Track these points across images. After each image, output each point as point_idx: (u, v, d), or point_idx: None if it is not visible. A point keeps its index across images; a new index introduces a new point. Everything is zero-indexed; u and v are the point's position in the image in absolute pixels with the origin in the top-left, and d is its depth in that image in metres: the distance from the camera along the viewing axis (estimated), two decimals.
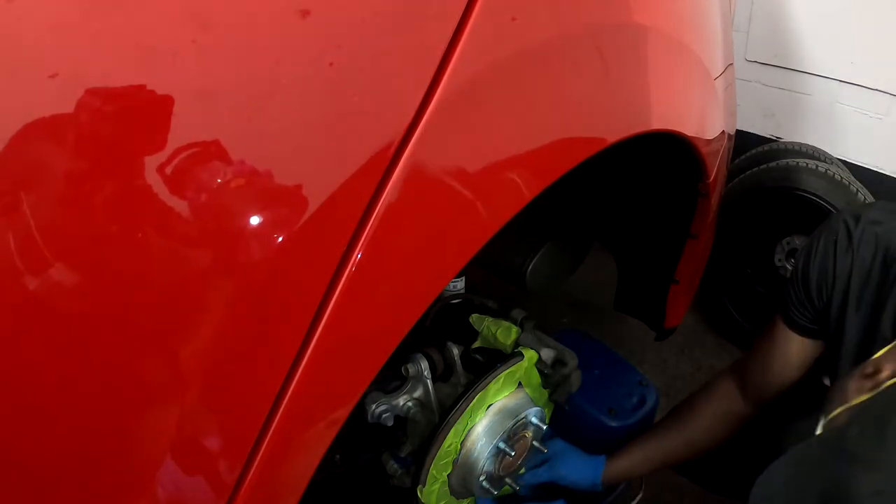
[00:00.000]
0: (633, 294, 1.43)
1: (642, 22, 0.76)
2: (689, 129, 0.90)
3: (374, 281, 0.53)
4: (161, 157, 0.43)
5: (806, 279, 0.86)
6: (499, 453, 0.93)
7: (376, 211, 0.51)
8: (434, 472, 0.89)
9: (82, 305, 0.44)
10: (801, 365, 0.93)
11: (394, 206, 0.52)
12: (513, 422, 0.93)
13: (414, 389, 0.90)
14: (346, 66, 0.49)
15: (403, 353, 0.90)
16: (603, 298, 1.63)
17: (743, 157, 1.99)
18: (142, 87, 0.42)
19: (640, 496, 1.31)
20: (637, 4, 0.76)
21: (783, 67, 2.03)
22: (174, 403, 0.48)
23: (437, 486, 0.91)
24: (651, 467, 1.07)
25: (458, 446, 0.90)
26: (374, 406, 0.85)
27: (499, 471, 0.95)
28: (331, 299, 0.51)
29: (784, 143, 2.02)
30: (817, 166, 1.66)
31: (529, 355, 0.94)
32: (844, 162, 1.92)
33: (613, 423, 1.16)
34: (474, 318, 1.02)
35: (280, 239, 0.47)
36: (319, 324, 0.51)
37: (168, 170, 0.43)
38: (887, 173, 1.92)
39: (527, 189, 0.63)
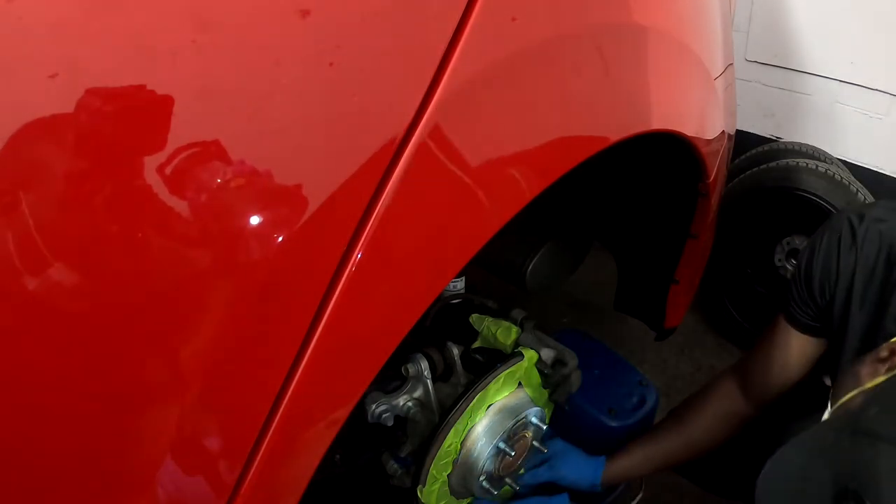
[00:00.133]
0: (633, 294, 1.43)
1: (642, 22, 0.76)
2: (689, 129, 0.90)
3: (374, 281, 0.53)
4: (161, 156, 0.43)
5: (809, 277, 0.86)
6: (499, 453, 0.93)
7: (376, 211, 0.51)
8: (434, 472, 0.89)
9: (82, 305, 0.44)
10: (802, 363, 0.93)
11: (394, 206, 0.52)
12: (513, 422, 0.93)
13: (414, 389, 0.90)
14: (346, 66, 0.49)
15: (403, 353, 0.90)
16: (603, 298, 1.63)
17: (743, 157, 1.99)
18: (142, 87, 0.42)
19: (640, 496, 1.31)
20: (637, 4, 0.76)
21: (783, 67, 2.03)
22: (174, 403, 0.48)
23: (437, 486, 0.91)
24: (651, 468, 1.07)
25: (458, 446, 0.90)
26: (374, 406, 0.85)
27: (499, 471, 0.95)
28: (331, 299, 0.51)
29: (784, 143, 2.02)
30: (817, 166, 1.66)
31: (529, 355, 0.94)
32: (844, 162, 1.92)
33: (613, 423, 1.16)
34: (474, 318, 1.02)
35: (280, 239, 0.47)
36: (319, 324, 0.51)
37: (168, 170, 0.43)
38: (887, 173, 1.92)
39: (526, 189, 0.63)
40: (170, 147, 0.43)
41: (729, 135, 1.13)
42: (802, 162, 1.69)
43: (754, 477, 0.58)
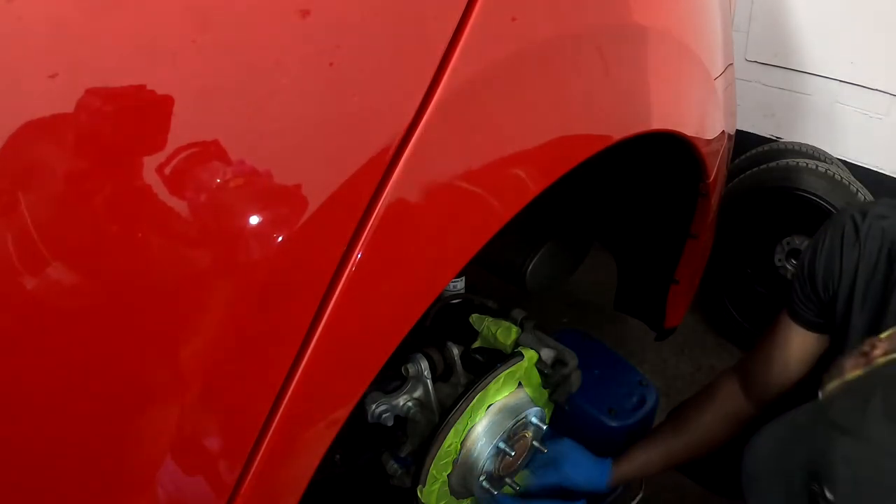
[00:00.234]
0: (633, 294, 1.43)
1: (642, 22, 0.76)
2: (689, 129, 0.90)
3: (374, 281, 0.53)
4: (161, 156, 0.43)
5: (812, 273, 0.87)
6: (499, 453, 0.93)
7: (376, 211, 0.51)
8: (434, 472, 0.89)
9: (82, 305, 0.44)
10: (803, 361, 0.93)
11: (394, 206, 0.52)
12: (513, 422, 0.93)
13: (414, 389, 0.90)
14: (346, 66, 0.49)
15: (403, 353, 0.90)
16: (603, 298, 1.63)
17: (743, 157, 1.99)
18: (142, 87, 0.42)
19: (640, 496, 1.31)
20: (637, 4, 0.76)
21: (783, 67, 2.03)
22: (174, 403, 0.48)
23: (437, 486, 0.91)
24: (654, 469, 1.07)
25: (458, 446, 0.90)
26: (374, 406, 0.85)
27: (499, 471, 0.95)
28: (331, 299, 0.51)
29: (784, 143, 2.02)
30: (817, 166, 1.66)
31: (529, 355, 0.94)
32: (844, 162, 1.92)
33: (613, 423, 1.16)
34: (474, 318, 1.02)
35: (280, 239, 0.47)
36: (319, 324, 0.51)
37: (168, 170, 0.43)
38: (887, 173, 1.93)
39: (527, 189, 0.63)
40: (170, 147, 0.43)
41: (729, 135, 1.13)
42: (802, 162, 1.69)
43: None
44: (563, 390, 0.99)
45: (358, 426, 0.81)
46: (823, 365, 0.94)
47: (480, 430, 0.91)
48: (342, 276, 0.51)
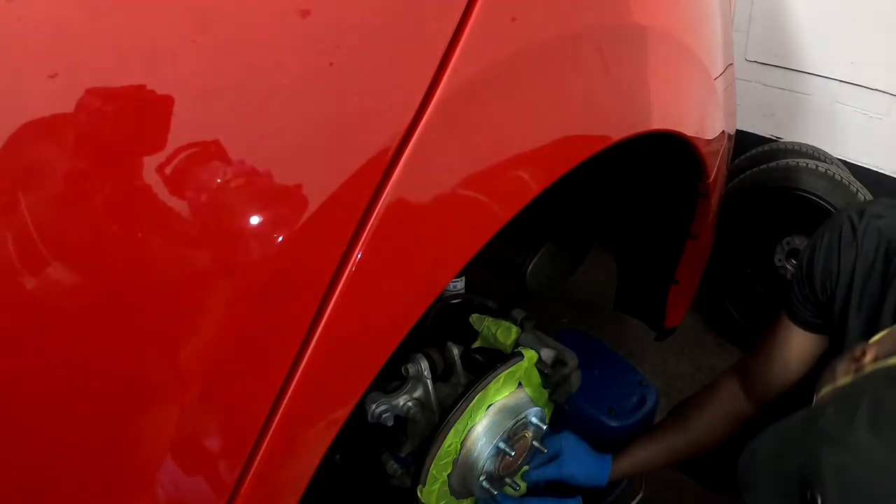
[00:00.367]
0: (633, 294, 1.43)
1: (642, 22, 0.76)
2: (689, 129, 0.90)
3: (374, 281, 0.53)
4: (161, 156, 0.43)
5: (810, 273, 0.87)
6: (499, 453, 0.93)
7: (376, 211, 0.51)
8: (434, 472, 0.89)
9: (82, 305, 0.44)
10: (803, 361, 0.93)
11: (394, 206, 0.52)
12: (513, 422, 0.93)
13: (414, 389, 0.90)
14: (346, 66, 0.49)
15: (403, 353, 0.90)
16: (603, 298, 1.63)
17: (743, 157, 1.99)
18: (142, 87, 0.42)
19: (640, 496, 1.31)
20: (637, 4, 0.76)
21: (783, 67, 2.03)
22: (174, 403, 0.48)
23: (437, 486, 0.91)
24: (652, 467, 1.07)
25: (458, 446, 0.90)
26: (374, 406, 0.85)
27: (499, 471, 0.95)
28: (331, 299, 0.51)
29: (784, 143, 2.02)
30: (817, 166, 1.66)
31: (529, 355, 0.94)
32: (844, 162, 1.92)
33: (613, 423, 1.16)
34: (474, 318, 1.02)
35: (280, 239, 0.47)
36: (319, 324, 0.51)
37: (168, 170, 0.43)
38: (887, 173, 1.93)
39: (526, 189, 0.63)
40: (170, 147, 0.43)
41: (729, 135, 1.13)
42: (802, 162, 1.69)
43: None
44: (563, 390, 0.99)
45: (358, 426, 0.81)
46: (823, 365, 0.95)
47: (480, 430, 0.91)
48: (342, 276, 0.51)
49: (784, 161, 1.75)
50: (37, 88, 0.41)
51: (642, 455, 1.06)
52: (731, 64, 1.12)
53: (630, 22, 0.75)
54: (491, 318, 1.01)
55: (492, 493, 0.95)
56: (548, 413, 1.04)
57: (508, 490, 1.01)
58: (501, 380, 0.92)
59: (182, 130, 0.43)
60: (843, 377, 0.62)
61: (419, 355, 0.90)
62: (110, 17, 0.43)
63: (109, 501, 0.50)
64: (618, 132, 0.73)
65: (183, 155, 0.43)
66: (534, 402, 0.97)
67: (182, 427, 0.49)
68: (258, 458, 0.52)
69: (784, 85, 2.05)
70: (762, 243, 1.81)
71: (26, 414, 0.45)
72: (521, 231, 1.20)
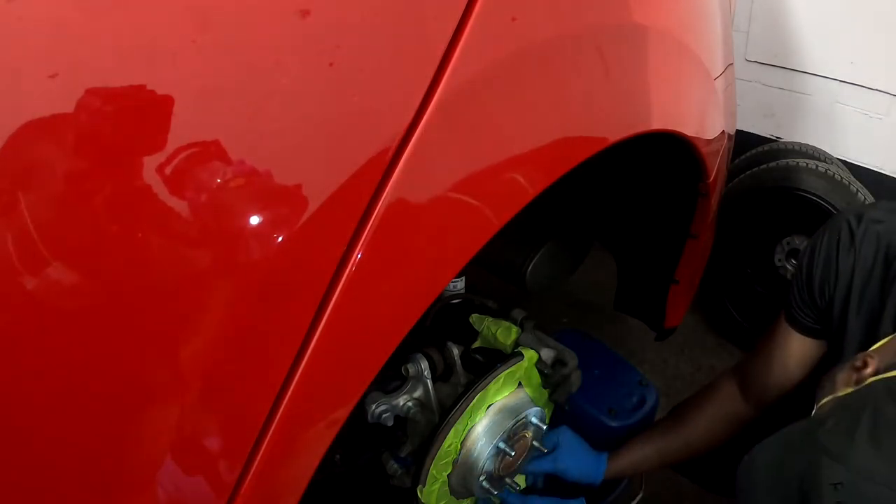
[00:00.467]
0: (633, 294, 1.43)
1: (642, 22, 0.76)
2: (689, 129, 0.90)
3: (374, 281, 0.53)
4: (161, 156, 0.43)
5: (809, 278, 0.87)
6: (499, 453, 0.93)
7: (376, 211, 0.51)
8: (434, 472, 0.89)
9: (82, 305, 0.44)
10: (802, 365, 0.93)
11: (394, 206, 0.52)
12: (513, 422, 0.93)
13: (414, 389, 0.90)
14: (346, 66, 0.49)
15: (403, 353, 0.90)
16: (603, 298, 1.63)
17: (743, 157, 1.99)
18: (142, 87, 0.42)
19: (640, 496, 1.31)
20: (637, 4, 0.76)
21: (783, 67, 2.03)
22: (174, 403, 0.48)
23: (437, 486, 0.91)
24: (649, 466, 1.07)
25: (458, 446, 0.90)
26: (374, 406, 0.85)
27: (499, 471, 0.95)
28: (331, 299, 0.51)
29: (784, 143, 2.02)
30: (817, 166, 1.66)
31: (529, 355, 0.94)
32: (844, 162, 1.92)
33: (613, 423, 1.16)
34: (474, 318, 1.02)
35: (280, 239, 0.47)
36: (319, 324, 0.51)
37: (168, 170, 0.43)
38: (887, 173, 1.92)
39: (527, 189, 0.63)
40: (170, 147, 0.43)
41: (729, 135, 1.13)
42: (802, 162, 1.69)
43: None
44: (563, 390, 0.99)
45: (358, 426, 0.81)
46: (823, 368, 0.95)
47: (480, 430, 0.91)
48: (342, 276, 0.51)
49: (784, 161, 1.75)
50: (37, 88, 0.41)
51: (639, 454, 1.06)
52: (731, 64, 1.12)
53: (630, 22, 0.75)
54: (491, 318, 1.01)
55: (492, 493, 0.95)
56: (548, 413, 1.04)
57: (509, 489, 1.01)
58: (501, 380, 0.92)
59: (182, 130, 0.43)
60: (843, 387, 0.62)
61: (419, 355, 0.90)
62: (110, 17, 0.43)
63: (109, 501, 0.50)
64: (618, 132, 0.73)
65: (183, 155, 0.43)
66: (534, 402, 0.97)
67: (182, 427, 0.49)
68: (258, 458, 0.52)
69: (784, 85, 2.05)
70: (762, 243, 1.81)
71: (26, 414, 0.45)
72: (521, 231, 1.20)
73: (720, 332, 1.96)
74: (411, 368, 0.89)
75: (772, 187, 1.71)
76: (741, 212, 1.75)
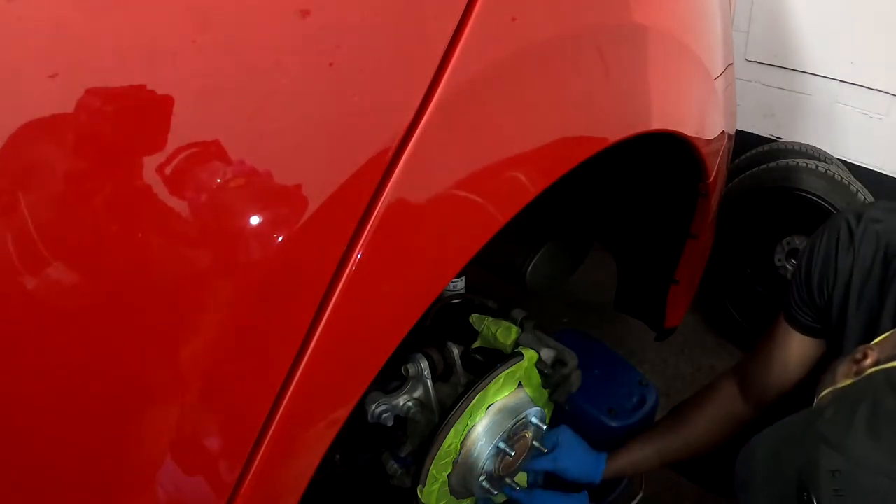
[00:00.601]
0: (633, 294, 1.43)
1: (642, 22, 0.76)
2: (689, 129, 0.90)
3: (374, 281, 0.53)
4: (161, 156, 0.43)
5: (808, 278, 0.87)
6: (499, 453, 0.93)
7: (376, 211, 0.51)
8: (434, 472, 0.89)
9: (82, 305, 0.44)
10: (802, 364, 0.93)
11: (394, 206, 0.52)
12: (513, 422, 0.93)
13: (414, 389, 0.90)
14: (346, 66, 0.49)
15: (403, 353, 0.90)
16: (603, 298, 1.63)
17: (743, 157, 1.99)
18: (142, 87, 0.42)
19: (640, 496, 1.31)
20: (637, 4, 0.76)
21: (783, 67, 2.03)
22: (174, 403, 0.48)
23: (437, 486, 0.91)
24: (649, 466, 1.07)
25: (458, 446, 0.90)
26: (374, 406, 0.85)
27: (499, 471, 0.95)
28: (331, 299, 0.51)
29: (784, 143, 2.02)
30: (817, 166, 1.66)
31: (529, 355, 0.94)
32: (844, 162, 1.92)
33: (613, 423, 1.16)
34: (474, 318, 1.02)
35: (280, 239, 0.47)
36: (319, 324, 0.51)
37: (168, 170, 0.43)
38: (887, 173, 1.92)
39: (527, 189, 0.63)
40: (170, 147, 0.43)
41: (729, 135, 1.13)
42: (802, 162, 1.69)
43: None
44: (563, 390, 0.99)
45: (358, 426, 0.81)
46: (822, 367, 0.95)
47: (480, 430, 0.91)
48: (342, 276, 0.51)
49: (784, 161, 1.75)
50: (37, 88, 0.41)
51: (639, 454, 1.06)
52: (731, 64, 1.12)
53: (630, 22, 0.75)
54: (491, 318, 1.01)
55: (492, 493, 0.95)
56: (548, 413, 1.04)
57: (508, 491, 1.01)
58: (501, 380, 0.92)
59: (182, 130, 0.43)
60: (843, 379, 0.62)
61: (419, 355, 0.90)
62: (110, 17, 0.43)
63: (109, 501, 0.50)
64: (618, 132, 0.73)
65: (183, 155, 0.43)
66: (534, 402, 0.97)
67: (182, 427, 0.49)
68: (258, 458, 0.52)
69: (784, 85, 2.05)
70: (762, 243, 1.81)
71: (26, 414, 0.45)
72: (521, 231, 1.20)
73: (720, 332, 1.96)
74: (411, 368, 0.89)
75: (772, 187, 1.71)
76: (741, 212, 1.75)
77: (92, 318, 0.44)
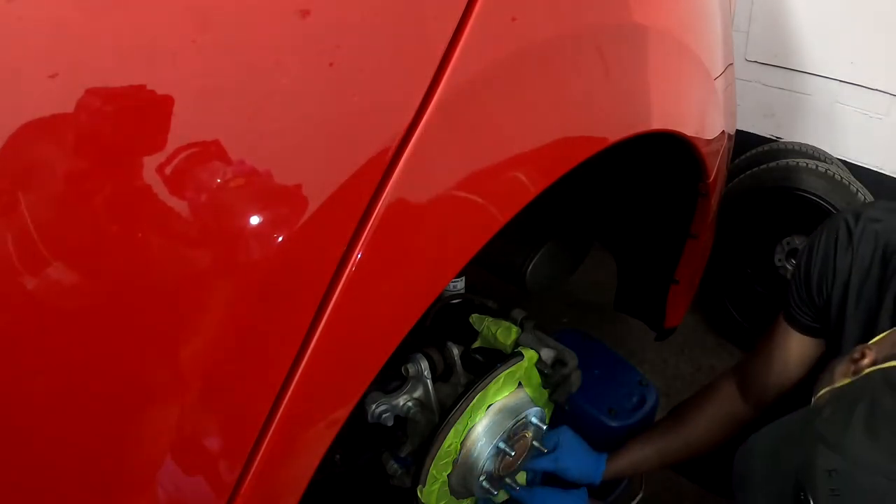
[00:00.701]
0: (633, 294, 1.43)
1: (642, 22, 0.76)
2: (689, 129, 0.90)
3: (374, 281, 0.53)
4: (161, 156, 0.43)
5: (807, 277, 0.87)
6: (499, 453, 0.93)
7: (376, 211, 0.51)
8: (434, 472, 0.89)
9: (82, 305, 0.44)
10: (801, 364, 0.93)
11: (394, 206, 0.52)
12: (513, 422, 0.93)
13: (414, 389, 0.90)
14: (346, 66, 0.49)
15: (403, 353, 0.90)
16: (603, 298, 1.64)
17: (743, 157, 1.99)
18: (142, 87, 0.42)
19: (640, 496, 1.31)
20: (637, 4, 0.76)
21: (783, 67, 2.03)
22: (174, 403, 0.48)
23: (437, 486, 0.91)
24: (649, 466, 1.07)
25: (458, 446, 0.90)
26: (374, 406, 0.85)
27: (499, 471, 0.95)
28: (331, 299, 0.51)
29: (784, 143, 2.02)
30: (817, 166, 1.66)
31: (529, 355, 0.94)
32: (844, 162, 1.92)
33: (613, 423, 1.16)
34: (474, 318, 1.02)
35: (280, 239, 0.47)
36: (319, 324, 0.51)
37: (168, 170, 0.43)
38: (887, 173, 1.92)
39: (527, 189, 0.63)
40: (170, 147, 0.43)
41: (729, 135, 1.14)
42: (802, 162, 1.69)
43: None
44: (563, 390, 0.99)
45: (358, 426, 0.81)
46: (822, 367, 0.95)
47: (480, 430, 0.91)
48: (342, 276, 0.51)
49: (784, 161, 1.75)
50: (37, 88, 0.41)
51: (639, 454, 1.06)
52: (731, 64, 1.12)
53: (630, 22, 0.75)
54: (491, 318, 1.01)
55: (492, 493, 0.95)
56: (548, 413, 1.04)
57: (508, 489, 1.01)
58: (501, 380, 0.92)
59: (182, 130, 0.43)
60: (841, 379, 0.62)
61: (419, 355, 0.90)
62: (110, 17, 0.43)
63: (109, 501, 0.50)
64: (618, 132, 0.73)
65: (183, 155, 0.43)
66: (534, 402, 0.97)
67: (182, 427, 0.49)
68: (258, 458, 0.52)
69: (784, 85, 2.05)
70: (762, 243, 1.81)
71: (26, 414, 0.45)
72: (521, 231, 1.20)
73: (720, 332, 1.96)
74: (411, 368, 0.89)
75: (772, 187, 1.71)
76: (741, 212, 1.75)
77: (92, 318, 0.44)
